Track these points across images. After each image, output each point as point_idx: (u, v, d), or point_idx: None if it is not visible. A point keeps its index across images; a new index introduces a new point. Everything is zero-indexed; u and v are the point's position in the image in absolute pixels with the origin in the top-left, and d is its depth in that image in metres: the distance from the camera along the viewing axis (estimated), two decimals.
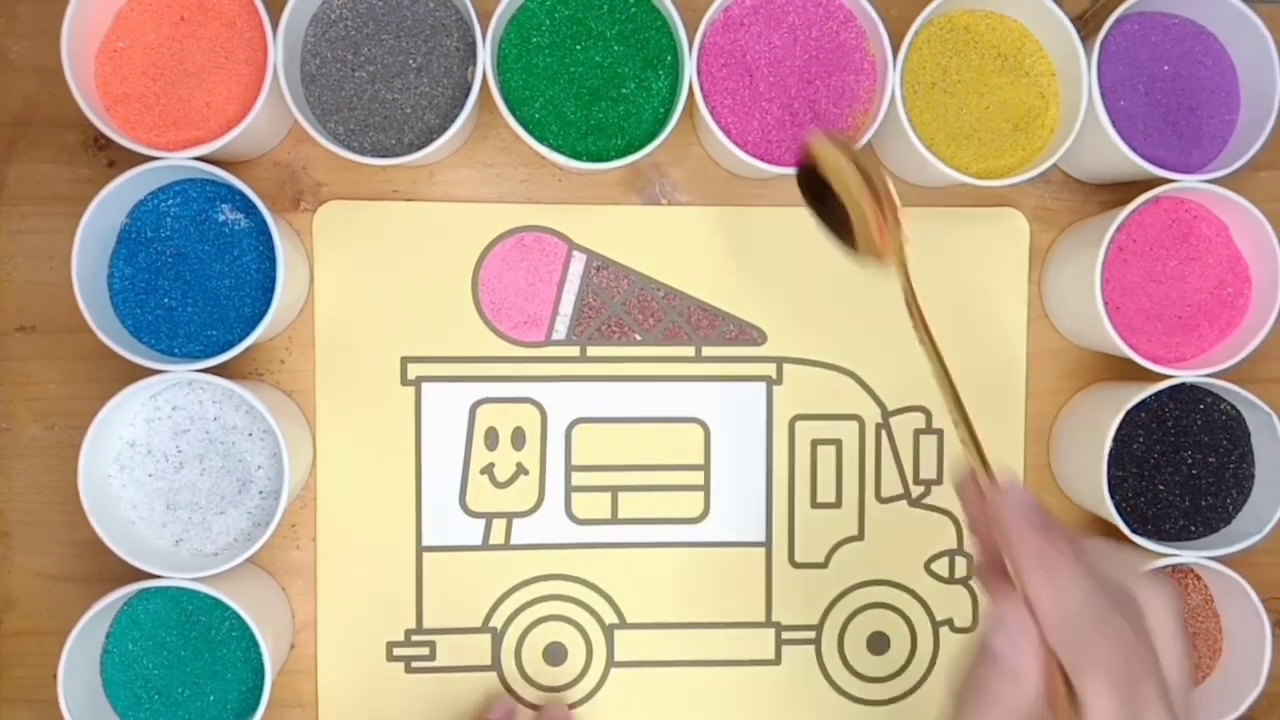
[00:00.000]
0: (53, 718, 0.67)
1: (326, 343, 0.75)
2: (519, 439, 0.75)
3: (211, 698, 0.70)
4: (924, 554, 0.77)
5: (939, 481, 0.77)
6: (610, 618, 0.76)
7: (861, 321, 0.77)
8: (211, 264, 0.69)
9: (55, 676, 0.67)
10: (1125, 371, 0.74)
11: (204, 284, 0.69)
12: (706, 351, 0.76)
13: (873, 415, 0.77)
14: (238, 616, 0.68)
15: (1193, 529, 0.73)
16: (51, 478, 0.74)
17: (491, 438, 0.75)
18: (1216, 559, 0.71)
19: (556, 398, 0.75)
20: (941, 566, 0.77)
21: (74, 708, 0.67)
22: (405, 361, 0.75)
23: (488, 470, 0.75)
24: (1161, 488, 0.73)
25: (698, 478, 0.76)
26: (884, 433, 0.77)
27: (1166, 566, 0.73)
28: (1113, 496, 0.71)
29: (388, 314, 0.75)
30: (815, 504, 0.77)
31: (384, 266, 0.75)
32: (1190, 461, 0.73)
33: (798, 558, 0.77)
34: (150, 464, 0.70)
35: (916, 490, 0.77)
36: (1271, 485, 0.72)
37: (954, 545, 0.77)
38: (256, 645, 0.68)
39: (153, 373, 0.68)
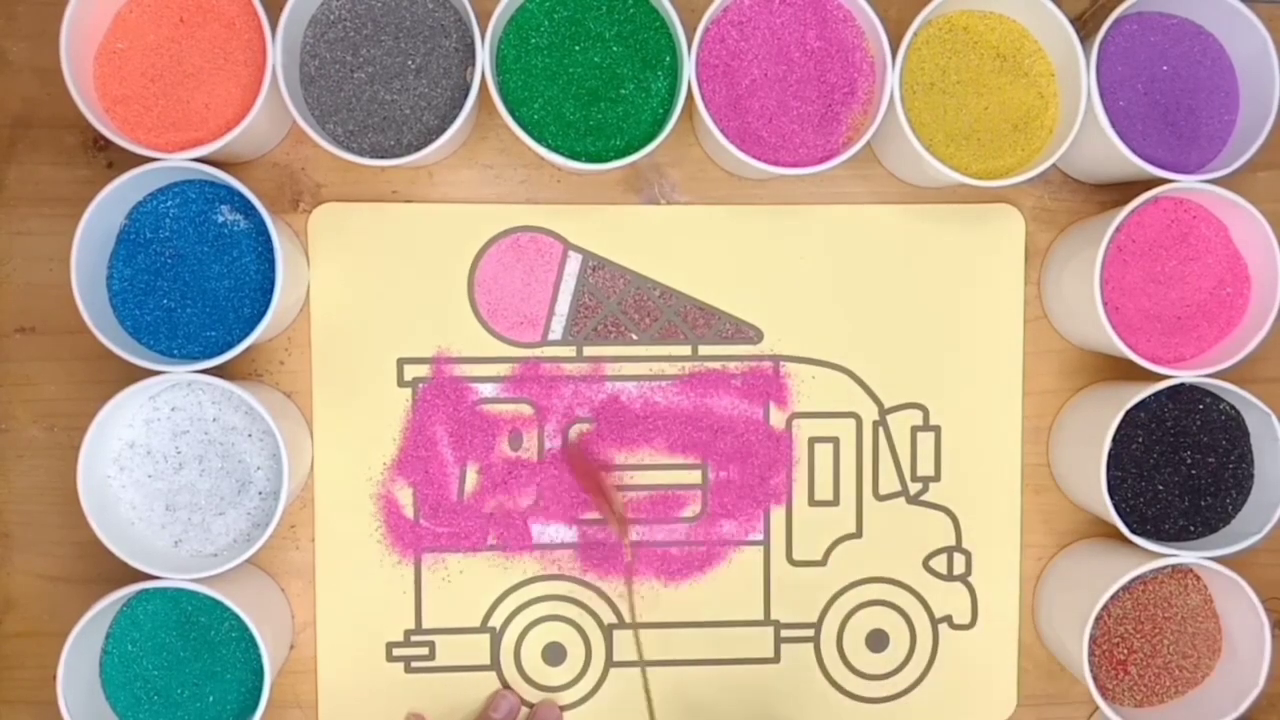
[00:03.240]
0: (52, 718, 0.67)
1: (322, 344, 0.75)
2: (516, 439, 0.75)
3: (211, 698, 0.70)
4: (922, 551, 0.77)
5: (936, 478, 0.77)
6: (609, 617, 0.76)
7: (858, 319, 0.77)
8: (210, 265, 0.69)
9: (55, 677, 0.67)
10: (1124, 371, 0.74)
11: (203, 285, 0.69)
12: (703, 350, 0.76)
13: (870, 413, 0.77)
14: (237, 617, 0.68)
15: (1192, 529, 0.73)
16: (51, 479, 0.74)
17: (489, 437, 0.75)
18: (1216, 559, 0.71)
19: (553, 398, 0.76)
20: (940, 563, 0.77)
21: (73, 709, 0.67)
22: (401, 363, 0.75)
23: (485, 470, 0.75)
24: (1161, 488, 0.73)
25: (696, 476, 0.76)
26: (881, 430, 0.77)
27: (1166, 566, 0.73)
28: (1112, 497, 0.71)
29: (383, 315, 0.75)
30: (813, 502, 0.77)
31: (379, 268, 0.75)
32: (1189, 462, 0.73)
33: (796, 556, 0.77)
34: (149, 465, 0.70)
35: (914, 487, 0.77)
36: (1270, 485, 0.72)
37: (952, 542, 0.77)
38: (256, 646, 0.68)
39: (152, 374, 0.68)
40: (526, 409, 0.75)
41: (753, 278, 0.76)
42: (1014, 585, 0.78)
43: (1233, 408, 0.73)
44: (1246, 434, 0.73)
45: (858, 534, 0.77)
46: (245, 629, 0.69)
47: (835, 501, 0.77)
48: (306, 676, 0.75)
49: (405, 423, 0.75)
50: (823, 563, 0.77)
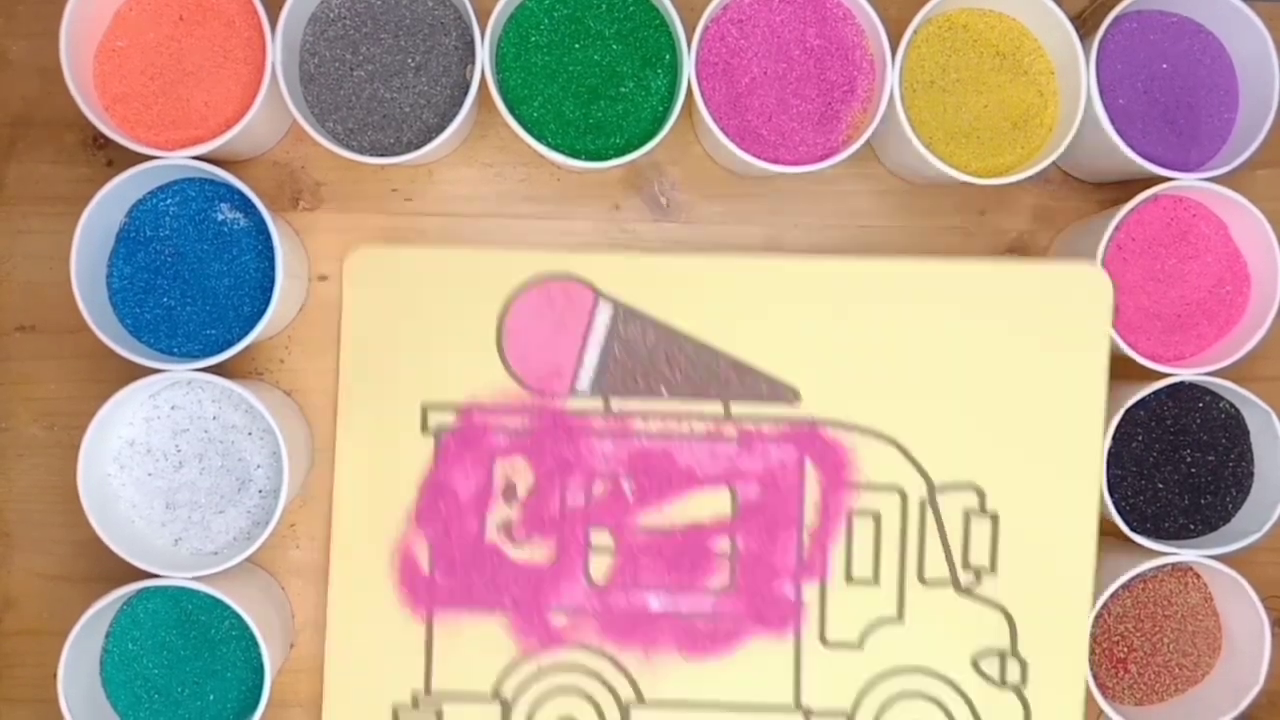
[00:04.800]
0: (53, 717, 0.67)
1: (350, 388, 0.71)
2: (538, 494, 0.71)
3: (211, 697, 0.70)
4: (971, 649, 0.70)
5: (992, 571, 0.70)
6: (627, 694, 0.71)
7: (907, 384, 0.70)
8: (210, 263, 0.69)
9: (55, 676, 0.67)
10: (1124, 370, 0.73)
11: (203, 283, 0.69)
12: (735, 409, 0.71)
13: (917, 488, 0.70)
14: (237, 616, 0.68)
15: (1192, 527, 0.73)
16: (51, 477, 0.74)
17: (510, 492, 0.71)
18: (1216, 557, 0.71)
19: (578, 452, 0.71)
20: (991, 666, 0.70)
21: (74, 707, 0.67)
22: (426, 409, 0.71)
23: (504, 527, 0.71)
24: (1161, 486, 0.73)
25: (724, 544, 0.71)
26: (929, 509, 0.70)
27: (1166, 565, 0.73)
28: (1112, 495, 0.71)
29: (411, 361, 0.71)
30: (850, 579, 0.71)
31: (414, 313, 0.71)
32: (1189, 460, 0.73)
33: (830, 636, 0.71)
34: (149, 463, 0.70)
35: (965, 577, 0.70)
36: (1270, 484, 0.72)
37: (1006, 645, 0.70)
38: (256, 644, 0.68)
39: (152, 372, 0.68)
40: (550, 463, 0.71)
41: (791, 334, 0.70)
42: (1077, 709, 0.70)
43: (1233, 406, 0.73)
44: (1246, 432, 0.73)
45: (898, 618, 0.70)
46: (245, 627, 0.69)
47: (875, 580, 0.70)
48: (306, 675, 0.75)
49: (426, 472, 0.71)
50: (859, 646, 0.70)
